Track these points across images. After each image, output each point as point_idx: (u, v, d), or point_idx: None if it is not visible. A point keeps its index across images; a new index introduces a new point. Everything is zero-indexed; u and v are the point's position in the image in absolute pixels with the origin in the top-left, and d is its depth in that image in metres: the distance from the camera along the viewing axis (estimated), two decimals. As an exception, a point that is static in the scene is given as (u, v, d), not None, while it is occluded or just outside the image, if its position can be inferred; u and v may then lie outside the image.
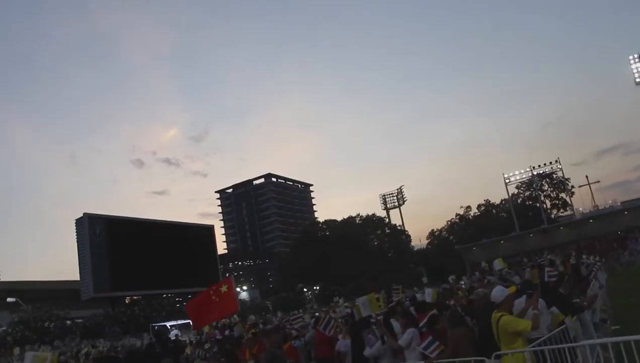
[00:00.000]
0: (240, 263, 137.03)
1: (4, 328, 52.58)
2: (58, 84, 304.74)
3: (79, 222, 59.92)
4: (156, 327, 48.62)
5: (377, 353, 8.63)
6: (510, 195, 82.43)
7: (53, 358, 14.55)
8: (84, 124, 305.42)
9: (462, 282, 26.16)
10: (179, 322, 50.94)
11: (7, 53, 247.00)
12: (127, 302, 64.08)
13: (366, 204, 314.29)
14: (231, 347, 13.78)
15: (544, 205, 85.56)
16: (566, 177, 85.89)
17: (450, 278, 26.43)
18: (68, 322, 55.79)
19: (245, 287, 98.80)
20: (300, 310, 42.56)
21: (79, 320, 56.89)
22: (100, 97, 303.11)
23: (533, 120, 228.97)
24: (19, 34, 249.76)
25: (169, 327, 45.59)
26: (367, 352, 8.75)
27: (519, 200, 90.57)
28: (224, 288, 14.44)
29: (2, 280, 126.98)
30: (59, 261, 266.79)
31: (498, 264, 21.81)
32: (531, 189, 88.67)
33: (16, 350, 38.27)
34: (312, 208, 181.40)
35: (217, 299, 14.35)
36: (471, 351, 6.86)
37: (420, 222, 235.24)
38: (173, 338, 28.86)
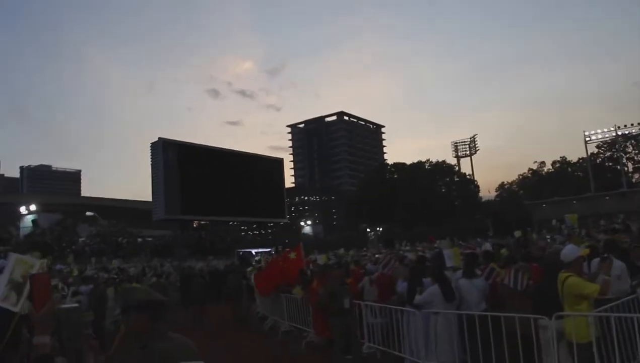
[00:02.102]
0: (306, 198, 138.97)
1: (83, 239, 56.03)
2: (138, 15, 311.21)
3: (154, 146, 61.87)
4: (241, 253, 50.40)
5: (424, 301, 8.43)
6: (589, 154, 78.08)
7: (42, 265, 15.12)
8: (163, 54, 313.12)
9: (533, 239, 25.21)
10: (263, 249, 53.00)
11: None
12: (194, 225, 66.49)
13: (437, 150, 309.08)
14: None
15: (625, 168, 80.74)
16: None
17: (516, 233, 25.37)
18: (139, 239, 58.77)
19: (309, 222, 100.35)
20: (365, 249, 42.80)
21: (150, 239, 59.81)
22: (178, 28, 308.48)
23: (623, 77, 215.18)
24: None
25: (253, 253, 47.03)
26: (417, 299, 8.57)
27: (598, 160, 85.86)
28: (292, 255, 14.68)
29: (83, 195, 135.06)
30: (134, 182, 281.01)
31: (569, 220, 20.50)
32: (613, 150, 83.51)
33: (92, 261, 40.83)
34: (382, 149, 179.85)
35: (285, 265, 14.64)
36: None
37: (490, 173, 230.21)
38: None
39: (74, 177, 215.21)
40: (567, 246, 6.87)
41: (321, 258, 21.38)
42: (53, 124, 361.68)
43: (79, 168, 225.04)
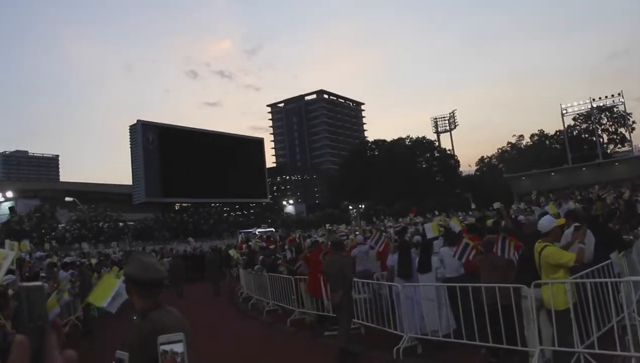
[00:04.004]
0: (288, 177, 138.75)
1: (63, 224, 55.41)
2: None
3: (133, 129, 61.23)
4: (242, 233, 50.58)
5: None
6: (565, 126, 78.83)
7: (25, 248, 15.07)
8: (140, 35, 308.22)
9: (511, 211, 25.55)
10: (266, 229, 53.56)
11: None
12: (176, 208, 66.24)
13: (417, 126, 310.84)
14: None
15: (601, 140, 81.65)
16: (628, 111, 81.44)
17: (495, 204, 25.67)
18: (121, 224, 58.31)
19: (291, 201, 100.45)
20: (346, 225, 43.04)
21: (131, 223, 59.38)
22: (155, 8, 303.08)
23: (598, 50, 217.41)
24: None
25: (257, 234, 47.24)
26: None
27: (574, 133, 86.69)
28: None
29: (62, 180, 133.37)
30: (113, 166, 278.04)
31: (550, 210, 20.46)
32: (589, 122, 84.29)
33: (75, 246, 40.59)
34: (362, 127, 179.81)
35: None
36: (509, 278, 6.87)
37: (470, 148, 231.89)
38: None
39: (52, 163, 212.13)
40: (544, 217, 6.98)
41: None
42: (28, 109, 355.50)
43: (56, 153, 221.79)
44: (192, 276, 26.28)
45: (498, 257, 7.29)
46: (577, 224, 6.50)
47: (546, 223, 6.37)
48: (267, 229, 52.90)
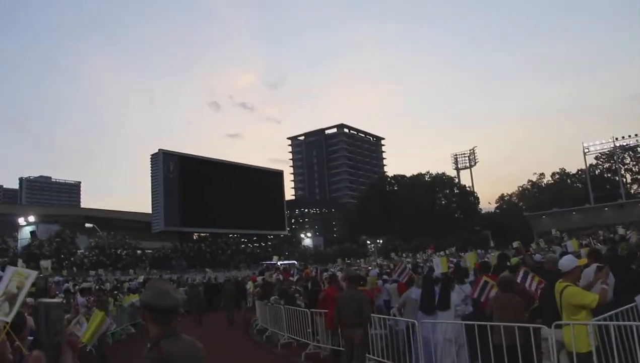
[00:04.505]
0: (306, 210, 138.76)
1: (82, 251, 55.84)
2: (141, 26, 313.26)
3: (154, 158, 61.92)
4: (265, 264, 50.82)
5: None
6: (587, 165, 78.32)
7: (47, 270, 15.28)
8: (164, 65, 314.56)
9: (531, 250, 25.26)
10: (287, 261, 54.36)
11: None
12: (194, 238, 66.45)
13: (437, 162, 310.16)
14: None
15: (624, 179, 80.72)
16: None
17: (515, 243, 25.46)
18: (139, 251, 58.58)
19: (309, 234, 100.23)
20: (359, 260, 42.88)
21: (149, 251, 59.62)
22: (181, 40, 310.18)
23: (620, 90, 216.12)
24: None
25: (278, 265, 47.42)
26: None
27: (596, 172, 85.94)
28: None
29: (83, 206, 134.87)
30: (134, 194, 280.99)
31: (572, 245, 20.17)
32: (611, 161, 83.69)
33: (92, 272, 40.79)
34: (382, 161, 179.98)
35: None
36: (522, 318, 6.80)
37: (490, 185, 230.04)
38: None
39: (74, 189, 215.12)
40: (565, 256, 6.87)
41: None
42: (53, 135, 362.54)
43: (78, 179, 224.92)
44: (208, 306, 26.26)
45: (512, 296, 7.15)
46: (599, 264, 6.38)
47: (567, 262, 6.26)
48: (289, 261, 53.03)
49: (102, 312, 7.90)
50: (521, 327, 6.53)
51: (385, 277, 15.88)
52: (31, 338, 3.73)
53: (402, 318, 10.03)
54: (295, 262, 53.72)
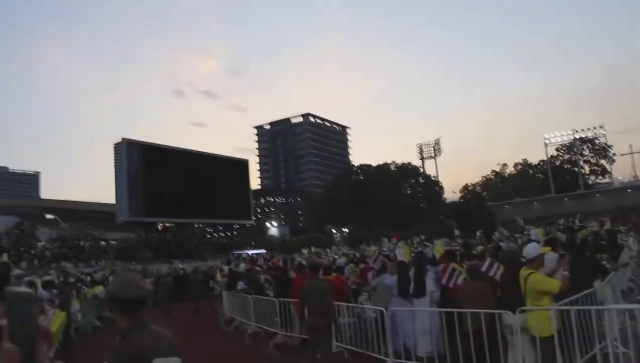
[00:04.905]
0: (272, 199, 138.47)
1: (43, 243, 54.65)
2: (101, 10, 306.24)
3: (118, 147, 60.88)
4: (235, 254, 50.62)
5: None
6: (548, 156, 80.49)
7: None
8: (126, 52, 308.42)
9: (494, 238, 25.86)
10: (258, 251, 54.32)
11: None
12: (159, 228, 65.69)
13: (402, 152, 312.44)
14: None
15: (583, 170, 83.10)
16: (609, 144, 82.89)
17: (478, 232, 26.23)
18: (102, 242, 57.68)
19: (275, 223, 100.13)
20: (328, 250, 43.18)
21: (113, 242, 58.73)
22: (142, 26, 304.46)
23: (580, 83, 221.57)
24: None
25: (246, 254, 47.52)
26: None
27: (557, 163, 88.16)
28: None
29: (43, 197, 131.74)
30: (96, 184, 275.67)
31: (536, 234, 20.75)
32: (571, 153, 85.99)
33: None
34: (348, 151, 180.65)
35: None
36: (490, 304, 6.94)
37: (454, 175, 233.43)
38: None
39: (33, 179, 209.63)
40: (529, 244, 7.09)
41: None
42: (9, 125, 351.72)
43: (37, 170, 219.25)
44: (177, 296, 26.21)
45: (480, 283, 7.37)
46: (562, 252, 6.63)
47: (531, 250, 6.48)
48: (260, 251, 53.01)
49: (64, 312, 7.75)
50: (487, 312, 6.72)
51: (352, 264, 16.18)
52: None
53: (369, 306, 10.17)
54: (265, 251, 53.73)
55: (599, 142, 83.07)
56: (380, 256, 13.33)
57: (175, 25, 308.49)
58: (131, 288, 2.81)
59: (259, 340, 13.36)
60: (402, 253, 11.45)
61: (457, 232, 42.62)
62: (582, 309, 6.18)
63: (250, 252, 50.34)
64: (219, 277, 25.11)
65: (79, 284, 20.71)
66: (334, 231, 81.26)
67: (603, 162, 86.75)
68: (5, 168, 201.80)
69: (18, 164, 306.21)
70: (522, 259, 6.91)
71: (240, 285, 16.46)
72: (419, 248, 23.07)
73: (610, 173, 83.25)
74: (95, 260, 51.04)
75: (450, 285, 8.48)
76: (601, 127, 73.89)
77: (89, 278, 25.48)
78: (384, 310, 8.83)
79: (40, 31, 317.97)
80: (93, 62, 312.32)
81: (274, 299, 12.95)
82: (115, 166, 60.74)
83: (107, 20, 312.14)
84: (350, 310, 10.16)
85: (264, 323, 13.55)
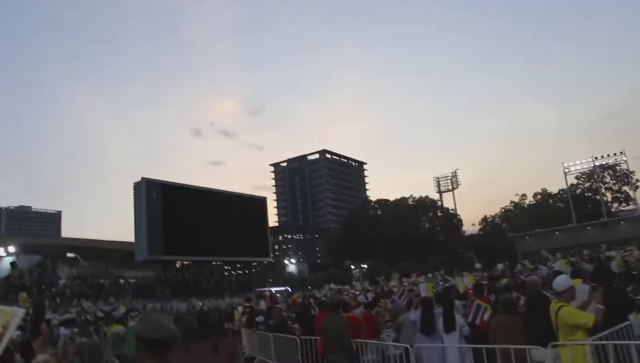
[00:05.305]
0: (290, 236, 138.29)
1: (64, 281, 54.86)
2: (121, 54, 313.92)
3: (137, 186, 61.41)
4: (258, 292, 50.75)
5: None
6: (568, 185, 79.48)
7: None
8: (145, 93, 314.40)
9: (516, 270, 25.52)
10: (280, 288, 54.96)
11: (74, 22, 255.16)
12: (177, 266, 65.64)
13: (419, 186, 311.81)
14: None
15: (605, 198, 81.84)
16: (630, 170, 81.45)
17: (499, 265, 25.94)
18: (121, 280, 57.71)
19: (293, 260, 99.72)
20: (347, 286, 42.85)
21: (132, 280, 58.75)
22: (161, 68, 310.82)
23: (596, 110, 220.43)
24: (82, 2, 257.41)
25: (268, 292, 47.63)
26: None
27: (577, 191, 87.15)
28: None
29: (63, 236, 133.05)
30: (115, 223, 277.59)
31: (561, 265, 20.32)
32: (592, 180, 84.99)
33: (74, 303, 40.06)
34: (365, 186, 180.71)
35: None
36: (524, 339, 6.76)
37: (473, 207, 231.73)
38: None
39: (54, 218, 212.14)
40: (559, 276, 6.93)
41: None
42: (32, 165, 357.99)
43: (59, 209, 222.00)
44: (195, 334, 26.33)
45: (514, 317, 7.20)
46: (594, 284, 6.46)
47: (561, 282, 6.31)
48: (281, 289, 53.10)
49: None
50: (517, 348, 6.55)
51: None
52: None
53: (391, 343, 9.99)
54: (289, 289, 53.78)
55: (621, 169, 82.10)
56: (405, 291, 13.24)
57: (193, 66, 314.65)
58: (161, 330, 2.77)
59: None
60: (425, 288, 11.33)
61: (478, 265, 42.02)
62: (621, 344, 5.95)
63: (274, 289, 50.26)
64: (236, 315, 24.87)
65: (99, 322, 20.68)
66: (352, 266, 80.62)
67: (626, 188, 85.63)
68: (28, 207, 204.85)
69: (41, 203, 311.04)
70: (544, 292, 6.78)
71: (260, 319, 16.42)
72: (442, 283, 22.85)
73: (634, 199, 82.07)
74: (114, 297, 51.06)
75: (477, 322, 8.32)
76: (622, 153, 72.87)
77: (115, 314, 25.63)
78: (409, 347, 8.66)
79: (64, 72, 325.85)
80: (113, 103, 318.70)
81: (296, 337, 12.78)
82: (135, 205, 61.18)
83: (127, 62, 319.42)
84: (372, 347, 9.95)
85: (285, 361, 13.34)
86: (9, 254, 55.05)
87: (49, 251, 60.78)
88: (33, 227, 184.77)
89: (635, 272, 13.54)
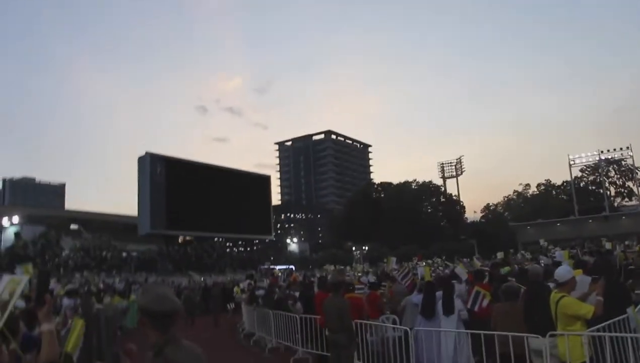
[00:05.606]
0: (292, 215, 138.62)
1: (67, 252, 55.29)
2: (129, 29, 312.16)
3: (141, 160, 61.42)
4: (263, 269, 51.34)
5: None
6: (573, 177, 79.14)
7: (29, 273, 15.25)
8: (152, 69, 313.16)
9: (513, 260, 25.60)
10: (285, 266, 55.74)
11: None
12: (180, 241, 66.02)
13: (423, 171, 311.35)
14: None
15: (608, 192, 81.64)
16: (636, 165, 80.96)
17: (498, 254, 26.16)
18: (124, 254, 58.16)
19: (295, 240, 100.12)
20: (348, 267, 43.08)
21: (134, 254, 59.19)
22: (168, 44, 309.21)
23: (605, 103, 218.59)
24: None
25: (277, 269, 48.02)
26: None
27: (581, 184, 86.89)
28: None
29: (67, 208, 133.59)
30: (119, 196, 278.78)
31: (562, 256, 20.26)
32: (596, 174, 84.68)
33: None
34: (369, 168, 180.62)
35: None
36: (522, 327, 6.78)
37: (476, 195, 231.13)
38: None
39: (58, 190, 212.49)
40: (561, 266, 6.95)
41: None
42: (37, 137, 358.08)
43: (63, 181, 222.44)
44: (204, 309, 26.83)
45: (516, 304, 7.23)
46: (595, 276, 6.48)
47: (563, 273, 6.34)
48: (285, 267, 53.65)
49: (81, 320, 7.80)
50: (515, 336, 6.60)
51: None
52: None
53: (390, 325, 10.06)
54: (293, 267, 54.33)
55: (626, 164, 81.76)
56: (410, 273, 13.29)
57: (200, 43, 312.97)
58: (164, 303, 2.76)
59: (280, 356, 13.31)
60: (423, 272, 11.42)
61: (477, 256, 42.04)
62: (618, 336, 6.00)
63: (278, 267, 50.75)
64: (237, 291, 25.00)
65: (102, 294, 20.88)
66: (353, 248, 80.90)
67: (630, 184, 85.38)
68: (32, 179, 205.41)
69: (45, 175, 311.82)
70: (545, 282, 6.80)
71: (260, 292, 16.66)
72: (441, 268, 22.96)
73: (637, 195, 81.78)
74: (116, 270, 51.53)
75: (476, 309, 8.38)
76: (628, 148, 72.53)
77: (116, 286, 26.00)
78: (408, 330, 8.71)
79: (71, 45, 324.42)
80: (119, 78, 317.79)
81: (295, 315, 12.87)
82: (139, 179, 61.26)
83: (135, 38, 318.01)
84: (371, 328, 10.03)
85: (284, 338, 13.47)
86: (13, 224, 55.38)
87: (53, 222, 61.15)
88: (37, 199, 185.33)
89: (632, 267, 13.62)
